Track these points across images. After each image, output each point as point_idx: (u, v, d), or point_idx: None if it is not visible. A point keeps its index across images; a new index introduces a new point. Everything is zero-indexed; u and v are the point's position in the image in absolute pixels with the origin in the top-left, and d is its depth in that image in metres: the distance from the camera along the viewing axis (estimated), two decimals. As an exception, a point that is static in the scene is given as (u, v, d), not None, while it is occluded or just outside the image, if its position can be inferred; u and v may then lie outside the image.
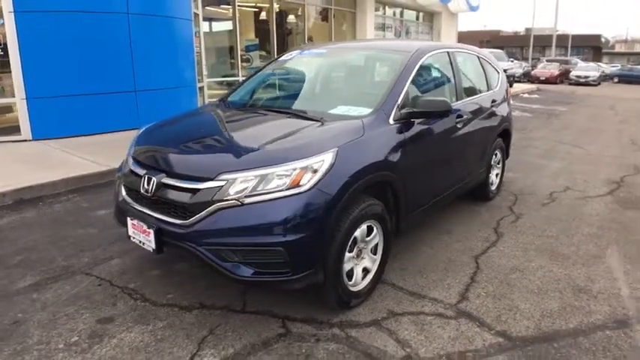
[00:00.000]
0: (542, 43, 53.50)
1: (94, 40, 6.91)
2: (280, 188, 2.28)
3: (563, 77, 28.68)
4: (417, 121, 3.11)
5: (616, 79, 32.74)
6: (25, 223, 4.07)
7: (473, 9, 26.40)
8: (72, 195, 4.78)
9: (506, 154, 5.25)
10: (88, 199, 4.69)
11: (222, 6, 12.49)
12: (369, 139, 2.69)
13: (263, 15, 14.08)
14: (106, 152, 5.98)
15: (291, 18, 15.31)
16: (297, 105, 3.20)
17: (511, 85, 19.31)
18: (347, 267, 2.62)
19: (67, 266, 3.28)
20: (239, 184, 2.30)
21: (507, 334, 2.61)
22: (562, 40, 52.77)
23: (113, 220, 3.13)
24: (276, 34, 13.98)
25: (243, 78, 12.79)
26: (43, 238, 3.73)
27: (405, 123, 3.01)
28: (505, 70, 19.32)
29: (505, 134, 4.99)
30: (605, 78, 31.23)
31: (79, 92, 6.91)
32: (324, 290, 2.54)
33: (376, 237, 2.82)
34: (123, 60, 7.23)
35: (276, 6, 13.92)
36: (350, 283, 2.68)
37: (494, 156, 4.79)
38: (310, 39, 15.08)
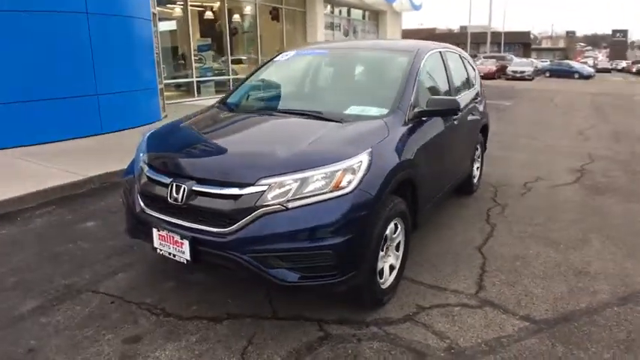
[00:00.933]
0: (477, 40, 56.20)
1: (51, 41, 6.45)
2: (323, 191, 2.26)
3: (500, 73, 30.32)
4: (424, 119, 3.19)
5: (547, 74, 35.11)
6: (8, 241, 3.74)
7: (416, 8, 27.26)
8: (50, 208, 4.45)
9: (484, 148, 5.50)
10: (70, 211, 4.39)
11: (170, 5, 12.10)
12: (394, 138, 2.74)
13: (214, 15, 13.78)
14: (75, 160, 5.62)
15: (242, 18, 15.09)
16: (309, 106, 3.16)
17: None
18: (379, 265, 2.64)
19: (69, 285, 3.06)
20: (281, 188, 2.26)
21: (531, 318, 2.75)
22: (495, 37, 55.74)
23: (126, 233, 2.96)
24: (229, 34, 13.74)
25: (198, 79, 12.63)
26: (33, 256, 3.46)
27: (417, 122, 3.08)
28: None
29: (484, 129, 5.23)
30: (538, 73, 33.37)
31: (38, 97, 6.43)
32: (360, 290, 2.55)
33: (400, 234, 2.87)
34: (83, 62, 6.80)
35: (227, 5, 13.65)
36: (381, 281, 2.71)
37: (476, 150, 5.01)
38: (249, 38, 14.86)
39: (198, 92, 12.75)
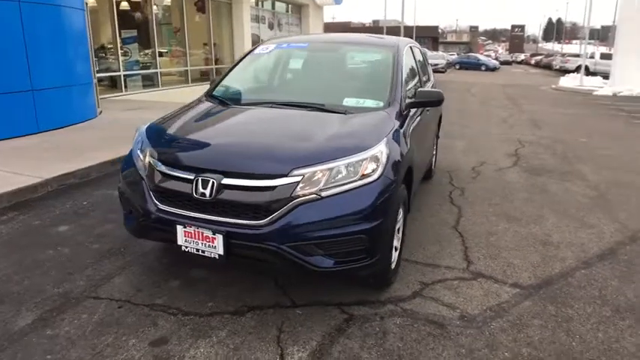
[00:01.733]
0: (390, 34, 58.51)
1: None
2: (353, 179, 2.37)
3: (417, 66, 32.00)
4: (412, 110, 3.41)
5: (457, 66, 37.72)
6: (-29, 254, 3.37)
7: (337, 2, 27.83)
8: (11, 214, 4.04)
9: (438, 136, 5.90)
10: (34, 216, 4.02)
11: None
12: (398, 128, 2.91)
13: (140, 6, 13.04)
14: (20, 162, 5.13)
15: (168, 9, 14.44)
16: (307, 99, 3.21)
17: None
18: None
19: (64, 293, 2.86)
20: (313, 178, 2.33)
21: (520, 285, 3.09)
22: (407, 31, 58.49)
23: (134, 233, 2.83)
24: (155, 26, 13.09)
25: (126, 73, 11.92)
26: (13, 266, 3.16)
27: (407, 112, 3.28)
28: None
29: (440, 118, 5.62)
30: (449, 65, 35.72)
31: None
32: (380, 271, 2.70)
33: (401, 218, 3.07)
34: (16, 55, 6.15)
35: (154, -4, 12.99)
36: (391, 261, 2.89)
37: (435, 137, 5.38)
38: (178, 30, 14.31)
39: (126, 87, 12.03)
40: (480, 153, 7.04)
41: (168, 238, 2.54)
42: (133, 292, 2.88)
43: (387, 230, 2.51)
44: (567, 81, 21.69)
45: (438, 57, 33.89)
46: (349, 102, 3.18)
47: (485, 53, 67.19)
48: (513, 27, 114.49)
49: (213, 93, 3.60)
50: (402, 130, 2.96)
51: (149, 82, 12.99)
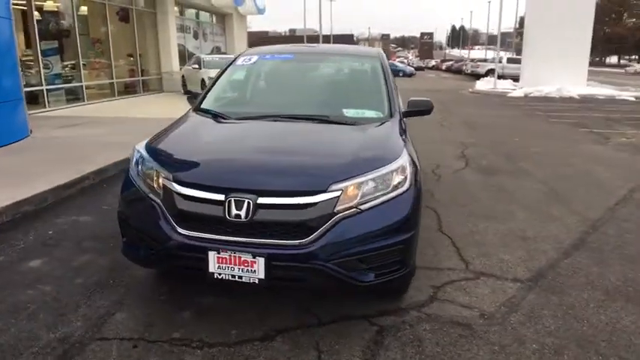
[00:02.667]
0: (310, 42, 59.68)
1: None
2: (387, 191, 2.39)
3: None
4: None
5: (379, 73, 39.16)
6: None
7: (261, 11, 27.77)
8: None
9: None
10: (-4, 252, 3.54)
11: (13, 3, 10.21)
12: (405, 138, 2.98)
13: (62, 16, 12.06)
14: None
15: (92, 19, 13.49)
16: (308, 111, 3.16)
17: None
18: None
19: (63, 338, 2.54)
20: (350, 192, 2.30)
21: (519, 279, 3.29)
22: (325, 39, 60.00)
23: (143, 263, 2.60)
24: (78, 36, 12.19)
25: (49, 87, 10.92)
26: (-11, 314, 2.76)
27: (403, 121, 3.37)
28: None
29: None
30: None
31: None
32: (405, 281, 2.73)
33: None
34: None
35: (75, 5, 12.07)
36: None
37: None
38: (97, 41, 13.46)
39: (48, 102, 11.03)
40: (431, 156, 7.37)
41: (193, 266, 2.37)
42: (143, 328, 2.64)
43: (417, 239, 2.56)
44: (482, 85, 23.47)
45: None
46: (350, 113, 3.20)
47: (398, 60, 70.75)
48: (422, 34, 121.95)
49: (204, 107, 3.42)
50: (408, 139, 3.03)
51: (73, 96, 12.03)
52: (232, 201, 2.27)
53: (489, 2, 64.76)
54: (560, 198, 5.22)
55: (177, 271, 2.56)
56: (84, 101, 12.12)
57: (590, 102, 17.01)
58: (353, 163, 2.45)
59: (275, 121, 3.08)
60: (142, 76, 15.45)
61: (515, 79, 23.62)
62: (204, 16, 22.41)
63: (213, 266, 2.31)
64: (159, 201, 2.45)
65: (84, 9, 12.62)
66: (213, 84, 3.65)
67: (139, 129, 8.34)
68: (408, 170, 2.54)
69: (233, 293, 2.99)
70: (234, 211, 2.26)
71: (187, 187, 2.39)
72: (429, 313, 2.82)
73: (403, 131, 3.13)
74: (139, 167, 2.68)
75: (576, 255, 3.72)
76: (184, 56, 18.14)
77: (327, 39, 59.53)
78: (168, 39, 16.32)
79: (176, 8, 18.20)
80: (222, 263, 2.29)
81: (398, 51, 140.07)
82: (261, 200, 2.27)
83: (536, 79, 19.63)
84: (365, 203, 2.33)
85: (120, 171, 5.91)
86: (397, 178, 2.46)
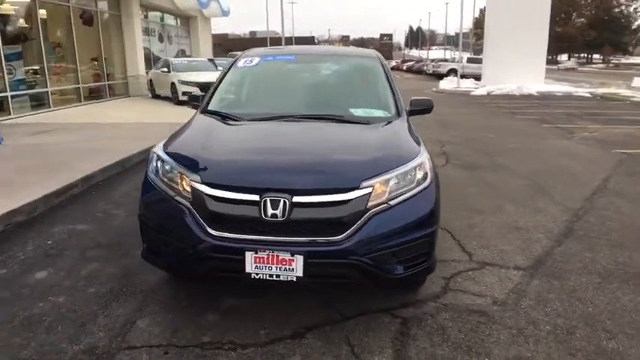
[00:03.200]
0: (273, 44, 59.62)
1: None
2: (412, 186, 2.49)
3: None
4: None
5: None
6: None
7: (225, 14, 27.48)
8: (-38, 269, 3.35)
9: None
10: (-4, 266, 3.40)
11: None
12: (417, 136, 3.09)
13: (25, 19, 11.54)
14: None
15: (55, 22, 12.97)
16: (319, 110, 3.24)
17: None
18: None
19: (89, 349, 2.49)
20: (380, 188, 2.39)
21: (520, 267, 3.48)
22: (287, 41, 60.09)
23: (172, 270, 2.60)
24: (42, 41, 11.71)
25: (13, 93, 10.43)
26: (4, 328, 2.65)
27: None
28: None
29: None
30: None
31: None
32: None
33: None
34: None
35: (39, 7, 11.58)
36: None
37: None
38: (57, 46, 12.95)
39: (12, 109, 10.54)
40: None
41: (229, 268, 2.39)
42: (170, 334, 2.63)
43: (438, 232, 2.67)
44: (446, 84, 24.18)
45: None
46: (357, 112, 3.29)
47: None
48: (382, 35, 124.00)
49: (212, 109, 3.42)
50: (419, 137, 3.15)
51: (38, 102, 11.54)
52: (268, 201, 2.30)
53: (447, 4, 66.75)
54: (541, 190, 5.50)
55: (206, 274, 2.56)
56: (49, 107, 11.64)
57: (549, 99, 17.87)
58: (378, 161, 2.53)
59: (289, 121, 3.12)
60: (107, 80, 14.98)
61: (477, 78, 24.44)
62: (169, 18, 21.98)
63: (250, 266, 2.33)
64: (187, 204, 2.44)
65: (48, 12, 12.12)
66: (217, 86, 3.64)
67: (114, 135, 8.14)
68: (428, 166, 2.65)
69: (252, 294, 3.02)
70: (270, 211, 2.29)
71: (219, 189, 2.39)
72: (446, 303, 2.95)
73: (413, 130, 3.25)
74: (160, 171, 2.66)
75: (567, 242, 3.96)
76: (150, 60, 17.73)
77: (289, 41, 59.60)
78: (134, 42, 15.90)
79: (141, 11, 17.78)
80: (259, 263, 2.32)
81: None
82: (297, 199, 2.31)
83: (497, 77, 20.43)
84: (393, 199, 2.42)
85: (107, 177, 5.77)
86: (419, 174, 2.57)
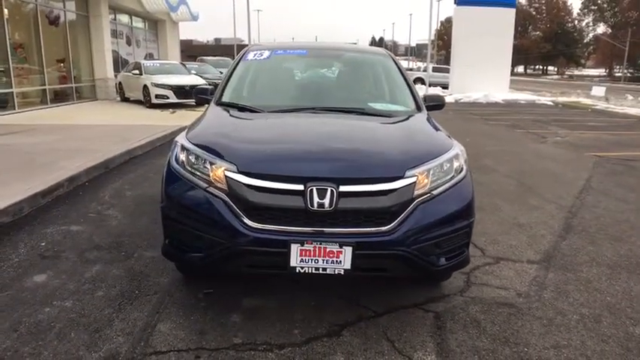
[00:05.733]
0: (238, 51, 59.21)
1: None
2: (451, 175, 2.46)
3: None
4: None
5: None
6: None
7: (195, 18, 27.05)
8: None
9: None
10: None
11: None
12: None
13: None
14: None
15: (22, 21, 12.32)
16: (337, 103, 3.18)
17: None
18: None
19: (111, 356, 2.29)
20: (422, 178, 2.34)
21: (533, 261, 3.53)
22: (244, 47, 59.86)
23: (206, 269, 2.45)
24: (8, 41, 11.10)
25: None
26: (9, 337, 2.41)
27: None
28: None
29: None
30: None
31: None
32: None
33: None
34: None
35: (4, 6, 10.96)
36: None
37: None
38: (19, 47, 12.30)
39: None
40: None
41: (271, 263, 2.27)
42: (197, 337, 2.47)
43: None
44: (415, 92, 24.60)
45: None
46: (377, 106, 3.27)
47: (326, 70, 72.43)
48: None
49: (227, 101, 3.30)
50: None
51: (1, 103, 10.87)
52: (314, 190, 2.20)
53: (411, 15, 68.47)
54: (530, 190, 5.64)
55: (239, 271, 2.42)
56: (15, 109, 10.98)
57: (515, 106, 18.55)
58: (416, 152, 2.50)
59: (311, 113, 3.04)
60: (75, 82, 14.34)
61: (443, 86, 25.09)
62: (138, 21, 21.39)
63: (295, 260, 2.22)
64: (223, 195, 2.31)
65: (13, 12, 11.49)
66: (229, 78, 3.51)
67: (92, 136, 7.77)
68: (462, 157, 2.64)
69: (274, 292, 2.91)
70: (316, 201, 2.19)
71: (258, 178, 2.27)
72: (473, 297, 2.94)
73: (437, 124, 3.25)
74: (186, 161, 2.52)
75: (570, 237, 4.06)
76: (118, 63, 17.14)
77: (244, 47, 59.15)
78: (102, 44, 15.29)
79: (109, 13, 17.18)
80: (305, 256, 2.21)
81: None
82: (343, 188, 2.22)
83: (464, 86, 21.02)
84: (435, 189, 2.38)
85: (92, 178, 5.47)
86: (456, 165, 2.55)
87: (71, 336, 2.46)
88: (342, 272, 2.24)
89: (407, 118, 3.08)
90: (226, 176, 2.33)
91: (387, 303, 2.81)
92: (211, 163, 2.40)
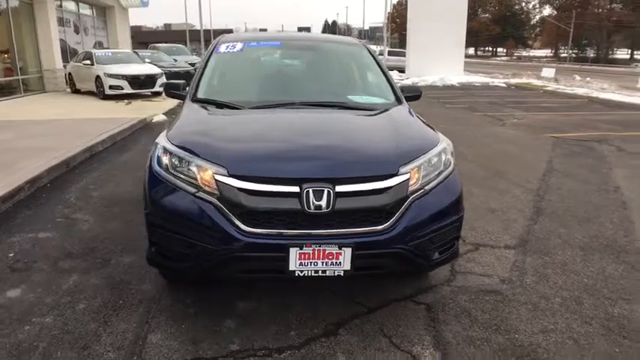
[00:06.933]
0: (192, 38, 57.15)
1: None
2: (440, 170, 2.48)
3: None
4: None
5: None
6: None
7: (144, 4, 25.84)
8: None
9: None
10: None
11: None
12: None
13: None
14: None
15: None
16: (316, 97, 3.11)
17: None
18: None
19: (104, 372, 2.21)
20: (414, 174, 2.35)
21: (510, 246, 3.66)
22: (205, 35, 58.05)
23: (198, 276, 2.36)
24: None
25: None
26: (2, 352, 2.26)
27: None
28: (193, 64, 19.88)
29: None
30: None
31: None
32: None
33: None
34: None
35: None
36: None
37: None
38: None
39: None
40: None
41: (269, 268, 2.22)
42: (191, 347, 2.40)
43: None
44: (373, 76, 24.75)
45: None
46: (355, 99, 3.24)
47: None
48: (300, 29, 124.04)
49: (202, 97, 3.16)
50: None
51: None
52: (310, 191, 2.16)
53: (364, -2, 68.38)
54: (498, 174, 5.83)
55: (231, 277, 2.36)
56: (-47, 104, 10.22)
57: (470, 89, 19.03)
58: (406, 147, 2.49)
59: (292, 108, 2.98)
60: (21, 74, 13.42)
61: (399, 70, 25.38)
62: (85, 8, 20.19)
63: (294, 264, 2.18)
64: (213, 199, 2.22)
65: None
66: (202, 73, 3.36)
67: (49, 132, 7.33)
68: (449, 151, 2.67)
69: (266, 295, 2.86)
70: (313, 202, 2.15)
71: (250, 181, 2.20)
72: (460, 286, 3.01)
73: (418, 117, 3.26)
74: (169, 164, 2.40)
75: (540, 220, 4.23)
76: (66, 52, 16.16)
77: (207, 34, 57.37)
78: (49, 33, 14.32)
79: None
80: (304, 259, 2.17)
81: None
82: (339, 188, 2.19)
83: (421, 69, 21.36)
84: (427, 184, 2.40)
85: (54, 179, 5.16)
86: (444, 159, 2.57)
87: (57, 355, 2.33)
88: (341, 274, 2.23)
89: (389, 111, 3.07)
90: (216, 180, 2.24)
91: (379, 297, 2.84)
92: (198, 166, 2.31)
